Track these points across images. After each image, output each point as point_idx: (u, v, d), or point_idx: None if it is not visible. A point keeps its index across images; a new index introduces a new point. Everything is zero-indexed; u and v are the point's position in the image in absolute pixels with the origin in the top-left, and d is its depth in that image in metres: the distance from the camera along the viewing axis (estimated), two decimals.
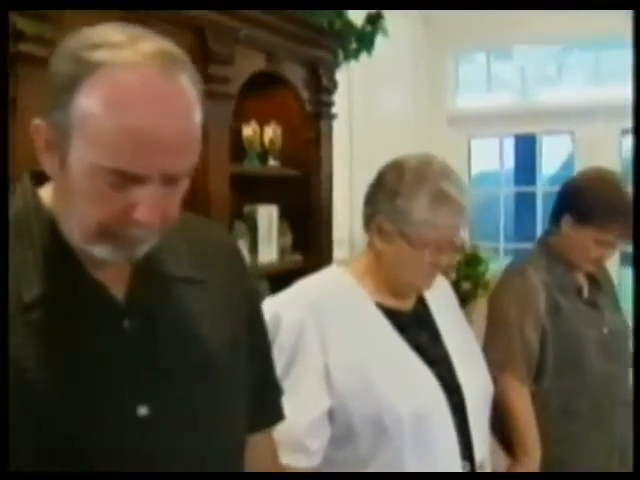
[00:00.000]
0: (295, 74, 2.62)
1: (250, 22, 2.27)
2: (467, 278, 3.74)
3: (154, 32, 0.85)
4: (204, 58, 2.10)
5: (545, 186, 4.64)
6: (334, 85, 2.79)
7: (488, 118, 4.55)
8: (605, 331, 2.03)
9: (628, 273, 3.08)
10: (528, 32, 4.23)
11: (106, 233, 0.84)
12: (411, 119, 4.27)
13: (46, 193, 0.92)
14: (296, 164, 2.72)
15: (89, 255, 0.88)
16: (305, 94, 2.68)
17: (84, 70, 0.80)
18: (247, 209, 2.59)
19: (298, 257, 2.74)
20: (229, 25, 2.18)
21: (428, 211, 1.40)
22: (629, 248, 2.23)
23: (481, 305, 3.16)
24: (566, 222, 2.01)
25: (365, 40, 2.91)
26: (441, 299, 1.59)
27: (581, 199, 1.99)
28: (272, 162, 2.69)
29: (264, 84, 2.50)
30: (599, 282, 2.13)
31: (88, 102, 0.79)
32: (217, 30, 2.13)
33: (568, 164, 5.10)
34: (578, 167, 3.91)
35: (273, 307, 1.39)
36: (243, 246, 2.41)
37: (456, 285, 3.47)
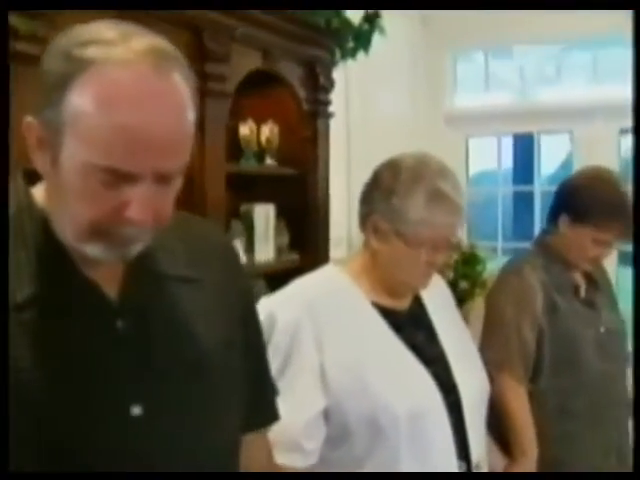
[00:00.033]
0: (292, 73, 2.61)
1: (246, 20, 2.26)
2: (464, 277, 3.74)
3: (150, 30, 0.84)
4: (200, 56, 2.09)
5: (543, 185, 4.63)
6: (331, 84, 2.79)
7: (486, 117, 4.54)
8: (602, 330, 2.03)
9: (627, 272, 3.08)
10: (527, 31, 4.22)
11: (98, 231, 0.83)
12: (409, 118, 4.27)
13: (39, 192, 0.91)
14: (293, 163, 2.71)
15: (82, 254, 0.87)
16: (302, 93, 2.67)
17: (76, 68, 0.79)
18: (244, 208, 2.59)
19: (295, 256, 2.74)
20: (225, 23, 2.18)
21: (424, 210, 1.40)
22: (628, 247, 2.23)
23: (478, 304, 3.15)
24: (563, 221, 2.01)
25: (362, 39, 2.91)
26: (437, 298, 1.59)
27: (578, 198, 1.98)
28: (269, 161, 2.68)
29: (261, 83, 2.50)
30: (596, 281, 2.13)
31: (80, 100, 0.79)
32: (213, 28, 2.13)
33: (567, 163, 5.10)
34: (577, 166, 3.89)
35: (268, 306, 1.39)
36: (240, 245, 2.41)
37: (453, 284, 3.48)
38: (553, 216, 2.07)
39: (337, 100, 2.92)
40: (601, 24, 3.85)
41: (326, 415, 1.37)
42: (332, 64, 2.80)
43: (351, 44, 2.91)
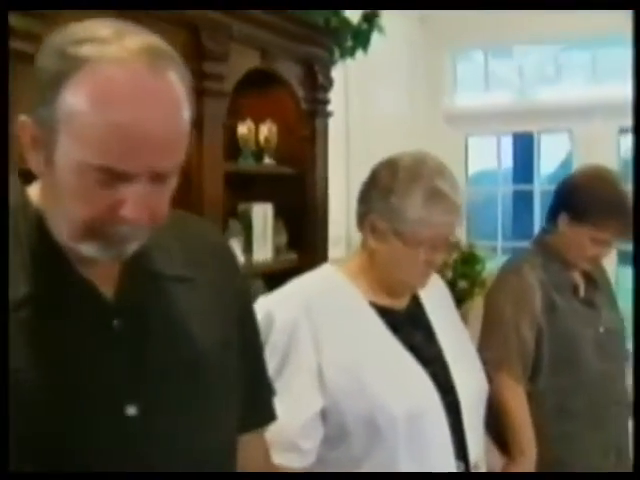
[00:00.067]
0: (290, 72, 2.61)
1: (244, 19, 2.26)
2: (464, 277, 3.73)
3: (148, 29, 0.84)
4: (198, 55, 2.09)
5: (543, 184, 4.63)
6: (330, 83, 2.78)
7: (486, 116, 4.54)
8: (601, 330, 2.02)
9: (626, 272, 3.08)
10: (526, 31, 4.22)
11: (93, 231, 0.83)
12: (408, 117, 4.26)
13: (34, 191, 0.91)
14: (291, 162, 2.71)
15: (77, 253, 0.87)
16: (300, 92, 2.67)
17: (70, 66, 0.79)
18: (242, 207, 2.58)
19: (293, 256, 2.73)
20: (223, 22, 2.17)
21: (422, 209, 1.39)
22: (627, 247, 2.22)
23: (478, 304, 3.15)
24: (563, 220, 2.01)
25: (361, 38, 2.91)
26: (436, 298, 1.58)
27: (577, 197, 1.98)
28: (267, 160, 2.68)
29: (259, 82, 2.50)
30: (595, 281, 2.13)
31: (74, 98, 0.78)
32: (211, 27, 2.12)
33: (566, 162, 5.09)
34: (576, 165, 3.89)
35: (266, 306, 1.39)
36: (238, 245, 2.40)
37: (452, 284, 3.47)
38: (552, 215, 2.07)
39: (336, 99, 2.91)
40: (601, 24, 3.85)
41: (323, 415, 1.36)
42: (331, 63, 2.80)
43: (350, 43, 2.91)
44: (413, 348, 1.43)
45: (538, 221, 4.41)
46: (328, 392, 1.35)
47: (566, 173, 2.25)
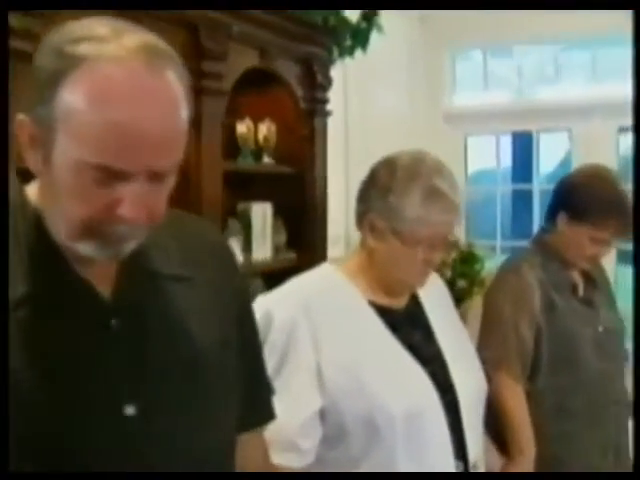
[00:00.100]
0: (289, 71, 2.61)
1: (243, 18, 2.26)
2: (463, 276, 3.73)
3: (147, 29, 0.84)
4: (197, 54, 2.09)
5: (542, 184, 4.63)
6: (329, 82, 2.78)
7: (485, 116, 4.54)
8: (600, 329, 2.02)
9: (626, 271, 3.08)
10: (526, 31, 4.22)
11: (91, 230, 0.83)
12: (407, 116, 4.26)
13: (32, 190, 0.91)
14: (290, 161, 2.71)
15: (75, 253, 0.87)
16: (299, 91, 2.67)
17: (68, 64, 0.79)
18: (241, 207, 2.58)
19: (292, 255, 2.73)
20: (222, 22, 2.17)
21: (421, 208, 1.39)
22: (627, 246, 2.22)
23: (477, 303, 3.15)
24: (562, 219, 2.01)
25: (360, 37, 2.90)
26: (434, 297, 1.58)
27: (576, 196, 1.98)
28: (266, 159, 2.68)
29: (258, 81, 2.50)
30: (594, 280, 2.13)
31: (72, 97, 0.78)
32: (210, 26, 2.12)
33: (565, 162, 5.08)
34: (575, 165, 3.89)
35: (265, 305, 1.39)
36: (237, 244, 2.40)
37: (451, 283, 3.47)
38: (551, 214, 2.07)
39: (335, 98, 2.91)
40: (601, 24, 3.85)
41: (322, 415, 1.36)
42: (330, 62, 2.80)
43: (349, 42, 2.91)
44: (412, 347, 1.43)
45: (537, 220, 4.40)
46: (327, 391, 1.35)
47: (565, 172, 2.25)
